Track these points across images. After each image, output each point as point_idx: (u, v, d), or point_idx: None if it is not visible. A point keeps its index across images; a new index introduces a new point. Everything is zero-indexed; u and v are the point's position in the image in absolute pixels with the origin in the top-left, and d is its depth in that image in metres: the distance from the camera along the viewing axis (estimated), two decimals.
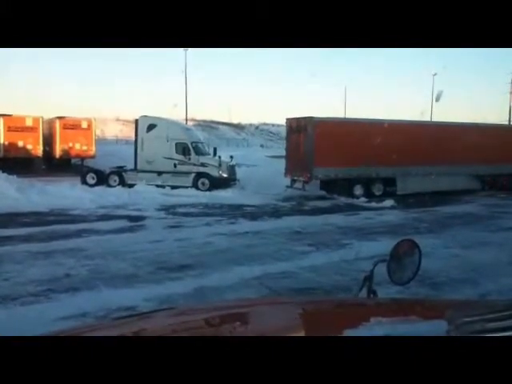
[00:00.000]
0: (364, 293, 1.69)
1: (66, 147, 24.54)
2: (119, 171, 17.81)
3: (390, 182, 17.44)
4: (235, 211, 13.27)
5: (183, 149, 17.25)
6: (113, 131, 44.50)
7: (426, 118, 35.12)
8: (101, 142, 28.74)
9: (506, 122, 41.64)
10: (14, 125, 23.22)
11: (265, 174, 18.65)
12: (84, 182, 17.31)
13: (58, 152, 24.50)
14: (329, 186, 17.15)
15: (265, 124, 62.19)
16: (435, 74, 52.38)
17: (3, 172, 15.76)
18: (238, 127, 60.61)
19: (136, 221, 11.14)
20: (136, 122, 18.41)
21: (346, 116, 34.63)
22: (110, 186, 16.99)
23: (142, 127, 17.76)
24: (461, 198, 17.08)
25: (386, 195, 16.55)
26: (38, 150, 23.70)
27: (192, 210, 13.38)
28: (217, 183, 16.81)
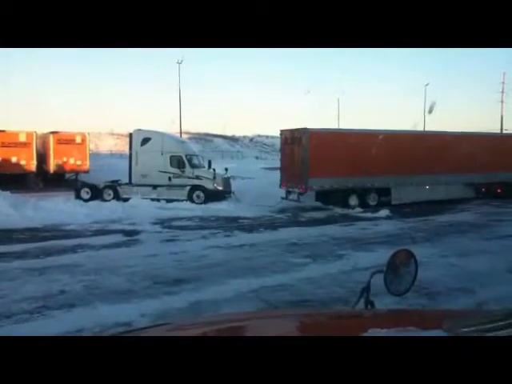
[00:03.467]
0: (361, 304, 1.68)
1: (59, 162, 24.45)
2: (113, 185, 17.75)
3: (384, 192, 17.48)
4: (231, 224, 13.24)
5: (178, 162, 17.26)
6: (107, 145, 44.48)
7: (419, 128, 35.36)
8: (95, 156, 28.70)
9: (498, 131, 42.02)
10: (8, 140, 23.14)
11: (260, 185, 18.66)
12: (78, 196, 17.22)
13: (51, 167, 24.40)
14: (324, 196, 17.17)
15: (259, 136, 62.37)
16: (427, 85, 52.99)
17: None
18: (233, 139, 60.75)
19: (131, 235, 11.08)
20: (130, 135, 18.41)
21: (340, 127, 34.79)
22: (104, 200, 16.91)
23: (137, 141, 17.76)
24: (456, 206, 17.14)
25: (381, 205, 16.58)
26: (32, 166, 23.60)
27: (187, 223, 13.34)
28: (212, 196, 16.79)
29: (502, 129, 46.89)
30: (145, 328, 1.60)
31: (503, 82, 52.80)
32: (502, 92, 52.56)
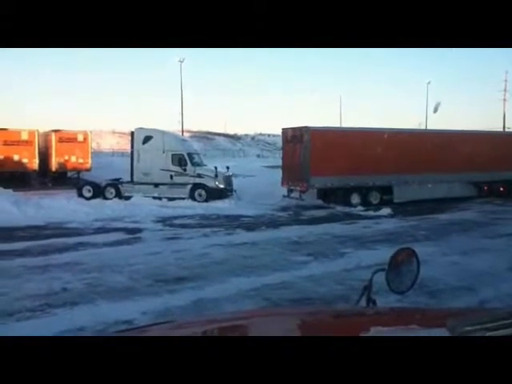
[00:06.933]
0: (363, 302, 1.68)
1: (61, 160, 24.49)
2: (115, 183, 17.76)
3: (386, 191, 17.46)
4: (232, 222, 13.24)
5: (179, 160, 17.26)
6: (109, 144, 44.51)
7: (422, 127, 35.27)
8: (97, 154, 28.73)
9: (501, 129, 41.93)
10: (10, 139, 23.17)
11: (261, 184, 18.66)
12: (80, 194, 17.24)
13: (53, 165, 24.44)
14: (326, 195, 17.16)
15: (261, 134, 62.37)
16: (429, 83, 52.81)
17: None
18: (234, 138, 60.73)
19: (133, 233, 11.09)
20: (132, 134, 18.42)
21: (342, 125, 34.75)
22: (106, 198, 16.92)
23: (138, 139, 17.77)
24: (457, 205, 17.10)
25: (382, 203, 16.56)
26: (34, 164, 23.64)
27: (189, 221, 13.34)
28: (213, 194, 16.79)
29: (504, 127, 46.81)
30: (146, 326, 1.60)
31: (505, 81, 52.68)
32: (505, 90, 52.47)
